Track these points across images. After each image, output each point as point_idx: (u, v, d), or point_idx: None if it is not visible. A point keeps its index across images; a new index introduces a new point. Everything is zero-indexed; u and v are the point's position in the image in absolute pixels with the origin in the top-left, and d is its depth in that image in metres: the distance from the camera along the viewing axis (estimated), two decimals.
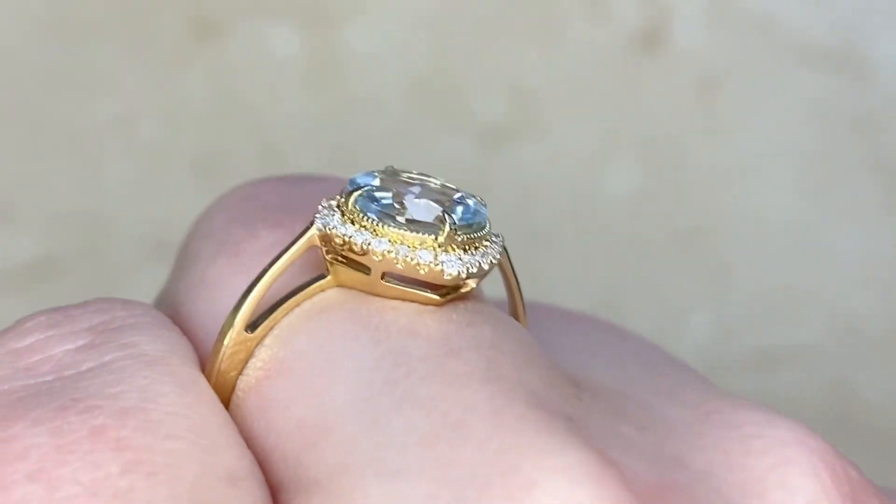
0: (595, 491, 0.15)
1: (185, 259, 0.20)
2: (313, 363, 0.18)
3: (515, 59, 0.40)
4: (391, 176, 0.19)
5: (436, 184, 0.19)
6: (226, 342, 0.18)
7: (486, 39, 0.40)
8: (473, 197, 0.19)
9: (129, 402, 0.17)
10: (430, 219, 0.18)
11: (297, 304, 0.18)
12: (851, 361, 0.39)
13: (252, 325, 0.18)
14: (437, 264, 0.18)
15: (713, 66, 0.39)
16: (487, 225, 0.18)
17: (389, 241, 0.18)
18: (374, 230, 0.18)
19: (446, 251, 0.18)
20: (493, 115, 0.40)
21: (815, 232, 0.39)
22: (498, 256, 0.18)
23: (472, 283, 0.18)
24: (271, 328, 0.18)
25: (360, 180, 0.18)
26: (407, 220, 0.18)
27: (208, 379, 0.18)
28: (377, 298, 0.18)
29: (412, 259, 0.18)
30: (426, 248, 0.18)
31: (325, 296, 0.18)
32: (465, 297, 0.18)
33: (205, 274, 0.19)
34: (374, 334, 0.17)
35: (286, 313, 0.18)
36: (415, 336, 0.17)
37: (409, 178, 0.19)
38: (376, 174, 0.19)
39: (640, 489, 0.16)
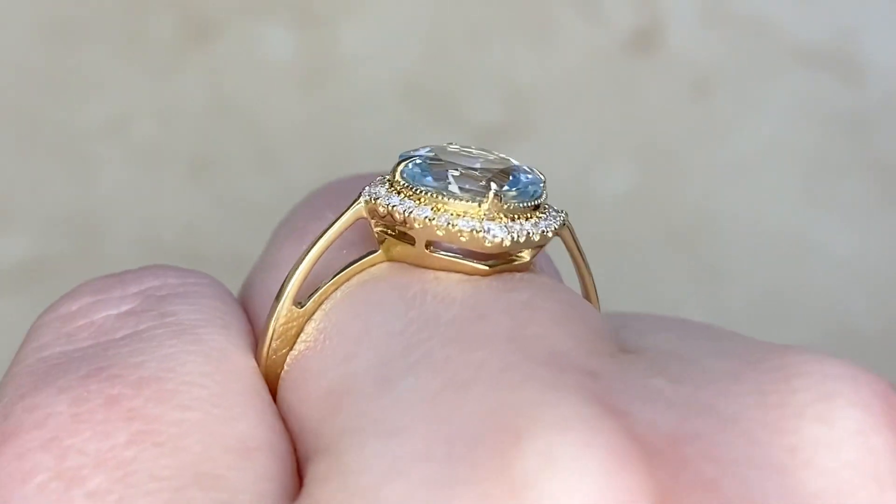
0: (584, 441, 0.15)
1: (265, 248, 0.20)
2: (348, 332, 0.17)
3: (510, 61, 0.40)
4: (445, 149, 0.18)
5: (493, 156, 0.18)
6: (274, 317, 0.18)
7: (481, 41, 0.40)
8: (533, 171, 0.18)
9: (148, 372, 0.17)
10: (479, 189, 0.18)
11: (347, 279, 0.18)
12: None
13: (304, 302, 0.18)
14: (480, 231, 0.17)
15: (707, 68, 0.40)
16: (543, 196, 0.18)
17: (432, 209, 0.17)
18: (419, 199, 0.18)
19: (491, 219, 0.17)
20: (487, 116, 0.40)
21: (809, 232, 0.39)
22: (554, 229, 0.18)
23: (525, 255, 0.18)
24: (321, 303, 0.18)
25: (413, 153, 0.18)
26: (459, 188, 0.18)
27: (259, 355, 0.18)
28: (423, 270, 0.18)
29: (453, 226, 0.17)
30: (470, 216, 0.17)
31: (373, 269, 0.18)
32: (519, 268, 0.18)
33: (273, 257, 0.19)
34: (410, 302, 0.17)
35: (336, 288, 0.18)
36: (448, 302, 0.17)
37: (466, 151, 0.18)
38: (430, 148, 0.18)
39: (652, 438, 0.15)
